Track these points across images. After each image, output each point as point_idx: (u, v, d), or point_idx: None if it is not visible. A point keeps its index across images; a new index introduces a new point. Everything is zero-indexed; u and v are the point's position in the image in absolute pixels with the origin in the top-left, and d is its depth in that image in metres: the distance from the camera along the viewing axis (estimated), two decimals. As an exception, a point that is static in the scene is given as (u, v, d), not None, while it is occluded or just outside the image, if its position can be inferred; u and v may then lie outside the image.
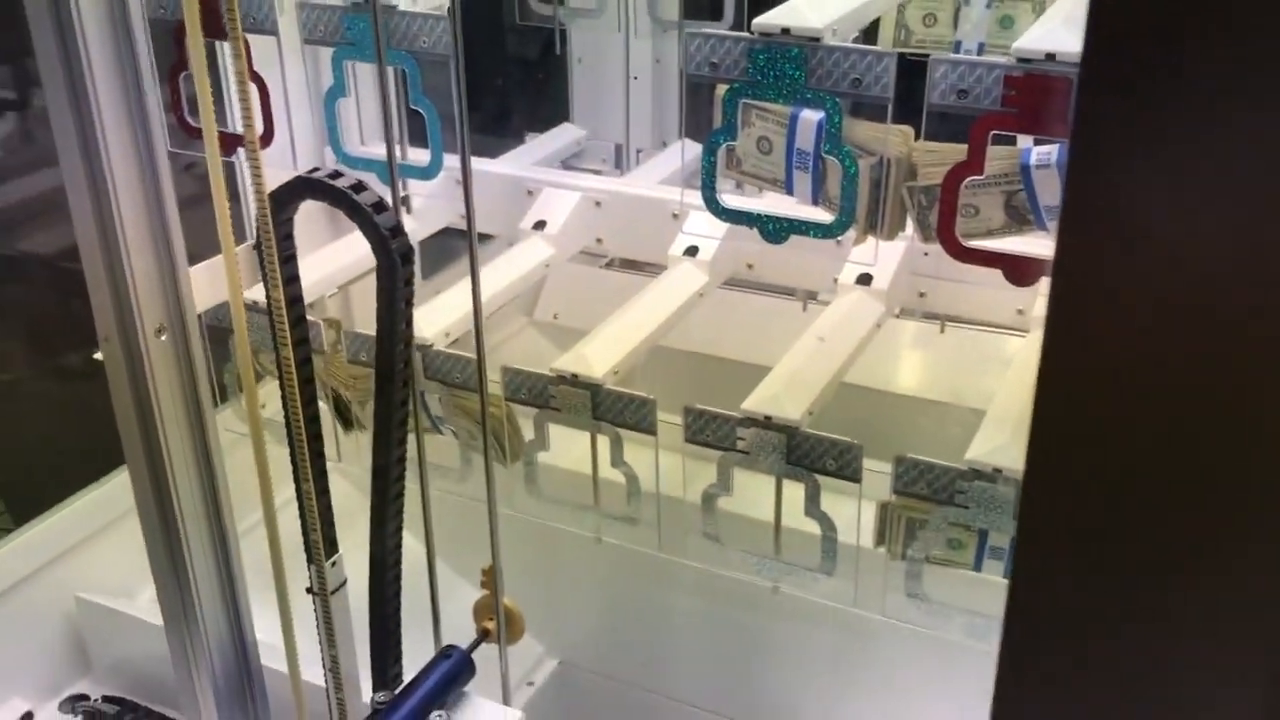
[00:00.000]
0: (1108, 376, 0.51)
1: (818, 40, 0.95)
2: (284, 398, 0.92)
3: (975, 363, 1.67)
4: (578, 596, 1.69)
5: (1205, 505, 0.51)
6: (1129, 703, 0.58)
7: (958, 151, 0.96)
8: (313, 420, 0.96)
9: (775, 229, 1.04)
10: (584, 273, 1.93)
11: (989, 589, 1.17)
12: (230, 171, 1.49)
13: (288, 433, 0.93)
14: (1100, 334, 0.50)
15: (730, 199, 1.11)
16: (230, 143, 1.07)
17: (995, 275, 1.10)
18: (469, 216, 0.98)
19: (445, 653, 1.00)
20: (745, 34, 0.98)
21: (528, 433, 1.30)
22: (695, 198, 1.27)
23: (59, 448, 1.64)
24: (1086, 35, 0.45)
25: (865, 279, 1.30)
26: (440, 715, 0.93)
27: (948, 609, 1.15)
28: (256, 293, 1.23)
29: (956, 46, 1.53)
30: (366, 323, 1.66)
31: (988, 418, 1.09)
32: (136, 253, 0.76)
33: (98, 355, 0.81)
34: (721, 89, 1.04)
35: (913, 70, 0.99)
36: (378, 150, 1.46)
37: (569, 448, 1.33)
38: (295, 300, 0.94)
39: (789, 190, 1.08)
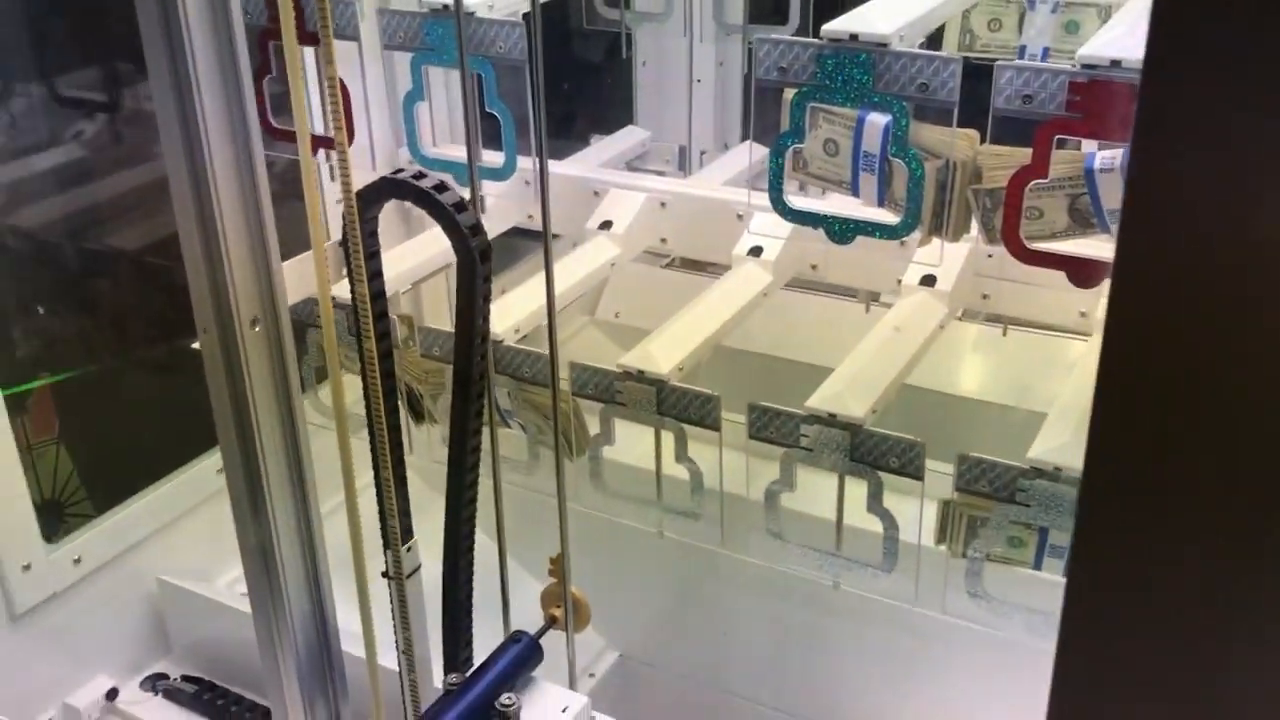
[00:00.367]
0: (1167, 376, 0.52)
1: (885, 46, 0.98)
2: (365, 388, 0.96)
3: (1037, 366, 1.68)
4: (639, 591, 1.72)
5: (1267, 506, 0.52)
6: (1184, 704, 0.59)
7: (1022, 155, 0.98)
8: (392, 411, 1.00)
9: (841, 229, 1.06)
10: (645, 273, 1.96)
11: (1048, 588, 1.18)
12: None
13: (368, 421, 0.97)
14: (1160, 333, 0.51)
15: (794, 200, 1.14)
16: (313, 144, 1.11)
17: (1058, 278, 1.12)
18: (544, 217, 1.01)
19: (514, 637, 1.03)
20: (814, 40, 1.00)
21: (593, 429, 1.33)
22: (760, 199, 1.29)
23: (138, 439, 1.70)
24: (1149, 36, 0.46)
25: (929, 280, 1.32)
26: (510, 698, 0.96)
27: (1008, 606, 1.17)
28: (337, 289, 1.27)
29: (1021, 51, 1.54)
30: (436, 319, 1.71)
31: (1050, 417, 1.10)
32: (234, 247, 0.80)
33: (195, 345, 0.85)
34: (789, 93, 1.07)
35: (977, 74, 1.01)
36: (449, 152, 1.50)
37: (632, 445, 1.37)
38: (378, 295, 0.98)
39: (854, 192, 1.10)
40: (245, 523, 0.88)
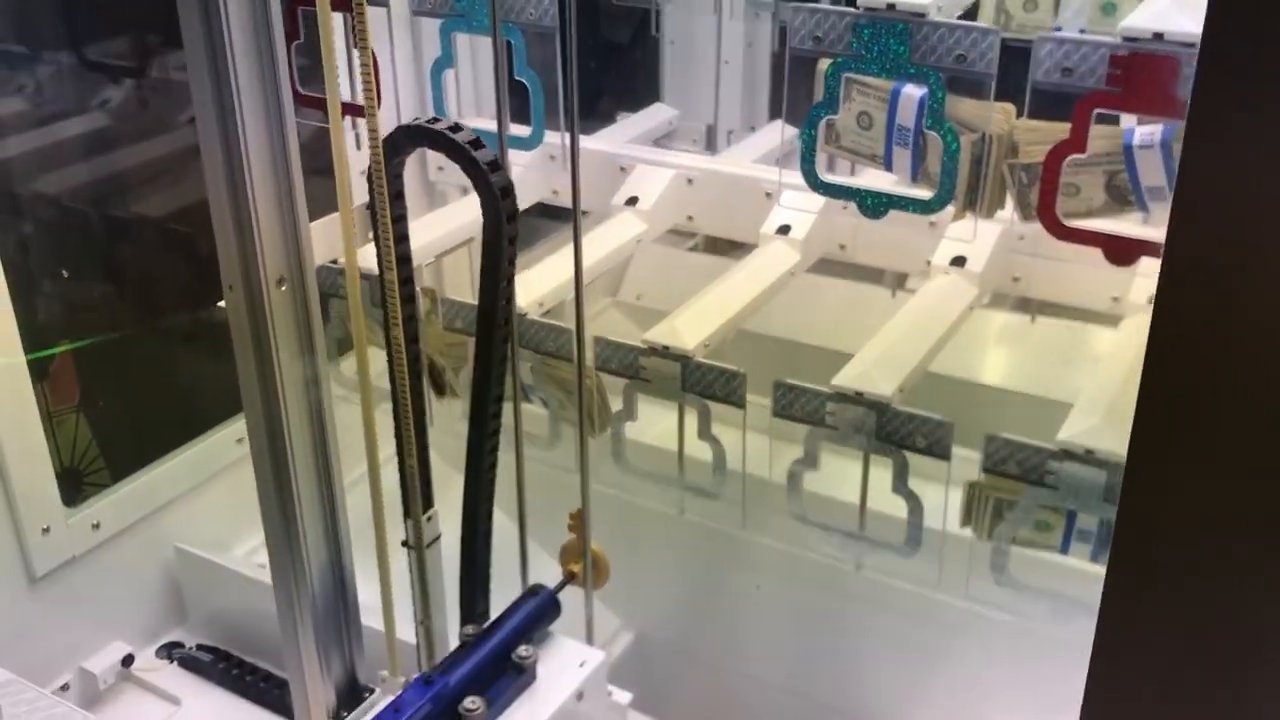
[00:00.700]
0: (1213, 368, 0.50)
1: (923, 16, 0.96)
2: (389, 346, 0.95)
3: (1061, 355, 1.66)
4: (656, 572, 1.71)
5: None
6: (1217, 698, 0.58)
7: (1060, 130, 0.96)
8: (416, 378, 1.00)
9: (874, 203, 1.05)
10: (669, 254, 1.95)
11: (1072, 575, 1.16)
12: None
13: (391, 385, 0.97)
14: (1207, 325, 0.50)
15: (824, 177, 1.12)
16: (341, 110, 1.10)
17: (1092, 259, 1.10)
18: (574, 188, 1.00)
19: (533, 591, 1.02)
20: (850, 9, 0.99)
21: (615, 407, 1.32)
22: (791, 177, 1.28)
23: (158, 408, 1.70)
24: (1207, 15, 0.44)
25: (959, 261, 1.30)
26: (527, 649, 0.95)
27: (1032, 592, 1.15)
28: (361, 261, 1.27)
29: (1056, 32, 1.52)
30: (457, 294, 1.70)
31: (1081, 400, 1.08)
32: (263, 205, 0.80)
33: (221, 304, 0.84)
34: (824, 64, 1.05)
35: (1011, 55, 0.99)
36: (473, 122, 1.49)
37: (651, 423, 1.36)
38: (405, 260, 0.97)
39: (887, 166, 1.08)
40: (267, 482, 0.88)
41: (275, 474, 0.88)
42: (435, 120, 0.87)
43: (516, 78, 1.25)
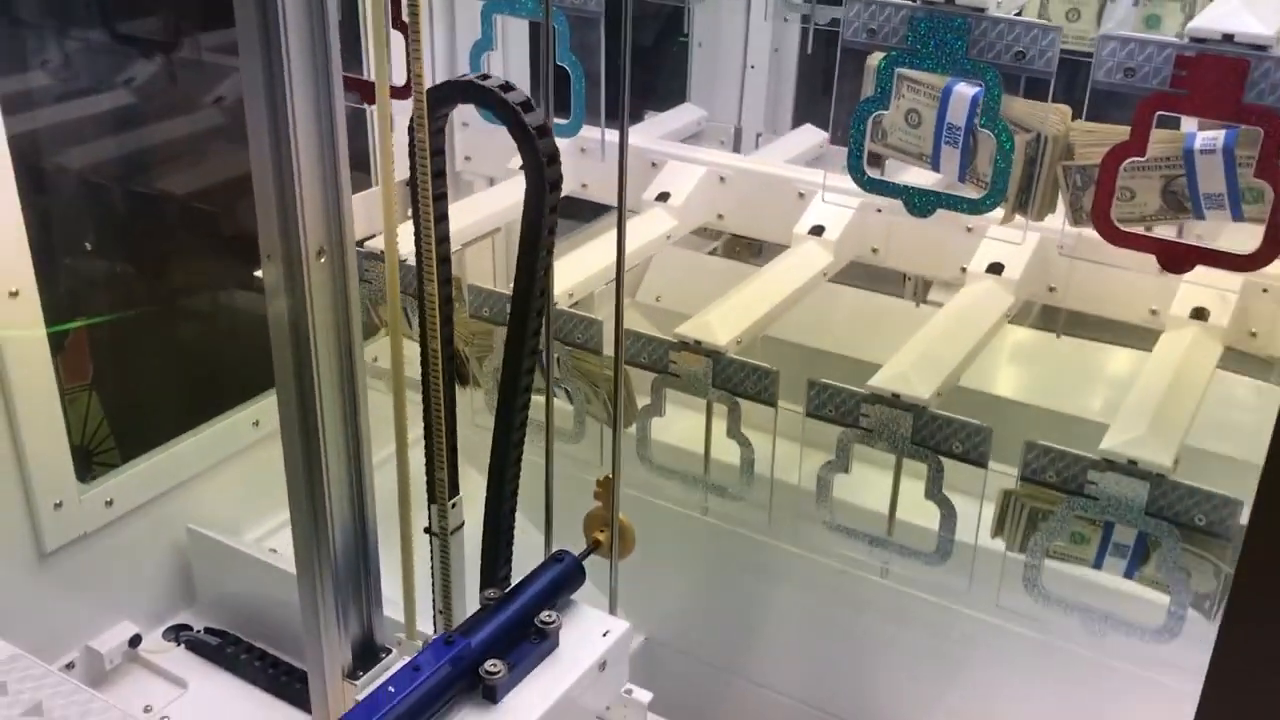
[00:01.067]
0: None
1: (982, 10, 0.94)
2: (422, 315, 0.93)
3: (1087, 373, 1.64)
4: (671, 575, 1.69)
5: None
6: None
7: (1117, 133, 0.94)
8: (449, 359, 0.97)
9: (921, 201, 1.03)
10: (689, 258, 1.94)
11: (1102, 592, 1.14)
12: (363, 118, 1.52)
13: (422, 358, 0.94)
14: None
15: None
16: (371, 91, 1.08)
17: (1133, 269, 1.08)
18: (620, 177, 0.97)
19: (557, 557, 0.98)
20: (908, 2, 0.97)
21: (642, 403, 1.30)
22: (828, 179, 1.26)
23: (171, 390, 1.68)
24: None
25: (997, 268, 1.28)
26: (551, 614, 0.92)
27: (1063, 605, 1.13)
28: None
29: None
30: (481, 284, 1.67)
31: (1124, 410, 1.06)
32: (307, 174, 0.77)
33: (258, 273, 0.82)
34: (874, 58, 1.03)
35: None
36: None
37: (674, 422, 1.34)
38: (443, 239, 0.95)
39: (934, 166, 1.06)
40: (295, 457, 0.85)
41: (305, 446, 0.86)
42: (485, 77, 0.85)
43: (558, 63, 1.23)
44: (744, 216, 1.55)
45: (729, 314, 1.26)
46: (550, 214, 0.88)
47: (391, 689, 0.80)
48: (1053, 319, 1.91)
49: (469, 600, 1.08)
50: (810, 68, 2.16)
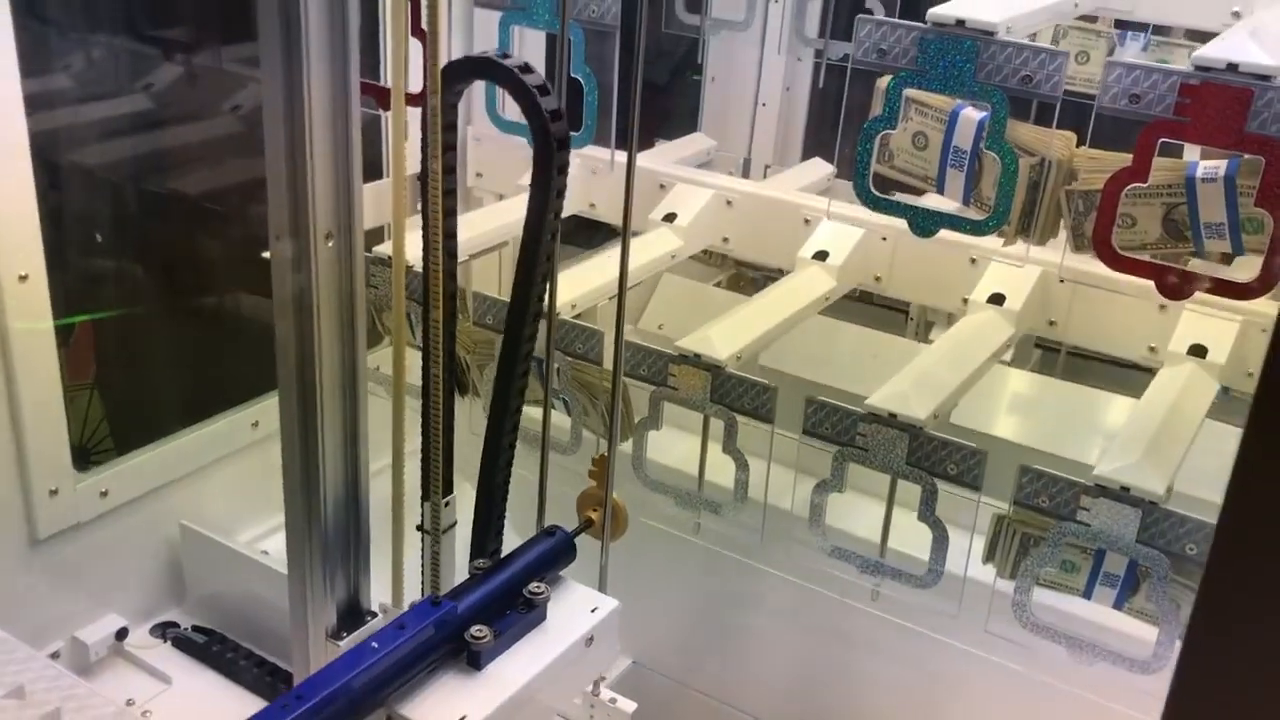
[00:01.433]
0: None
1: (992, 34, 0.96)
2: (425, 315, 0.93)
3: (1086, 419, 1.64)
4: (660, 600, 1.68)
5: None
6: None
7: (1120, 160, 0.96)
8: (449, 355, 0.98)
9: (925, 222, 1.04)
10: (694, 289, 1.95)
11: (1089, 623, 1.14)
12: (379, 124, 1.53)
13: (424, 350, 0.95)
14: None
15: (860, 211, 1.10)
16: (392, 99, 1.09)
17: (1133, 305, 1.09)
18: (627, 194, 0.97)
19: (549, 531, 0.97)
20: (918, 24, 0.99)
21: (639, 416, 1.30)
22: (836, 207, 1.27)
23: (171, 391, 1.68)
24: None
25: (998, 299, 1.29)
26: (539, 586, 0.90)
27: (1051, 632, 1.13)
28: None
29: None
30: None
31: (1120, 437, 1.07)
32: (319, 156, 0.78)
33: (265, 254, 0.83)
34: (883, 80, 1.05)
35: (1061, 106, 0.99)
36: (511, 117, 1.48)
37: (673, 444, 1.34)
38: (450, 234, 0.96)
39: (939, 189, 1.08)
40: (293, 442, 0.86)
41: (302, 431, 0.86)
42: (506, 55, 0.86)
43: (573, 75, 1.25)
44: (749, 240, 1.57)
45: (730, 330, 1.26)
46: (558, 198, 0.88)
47: (375, 645, 0.80)
48: (1051, 365, 1.92)
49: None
50: (821, 104, 2.19)
